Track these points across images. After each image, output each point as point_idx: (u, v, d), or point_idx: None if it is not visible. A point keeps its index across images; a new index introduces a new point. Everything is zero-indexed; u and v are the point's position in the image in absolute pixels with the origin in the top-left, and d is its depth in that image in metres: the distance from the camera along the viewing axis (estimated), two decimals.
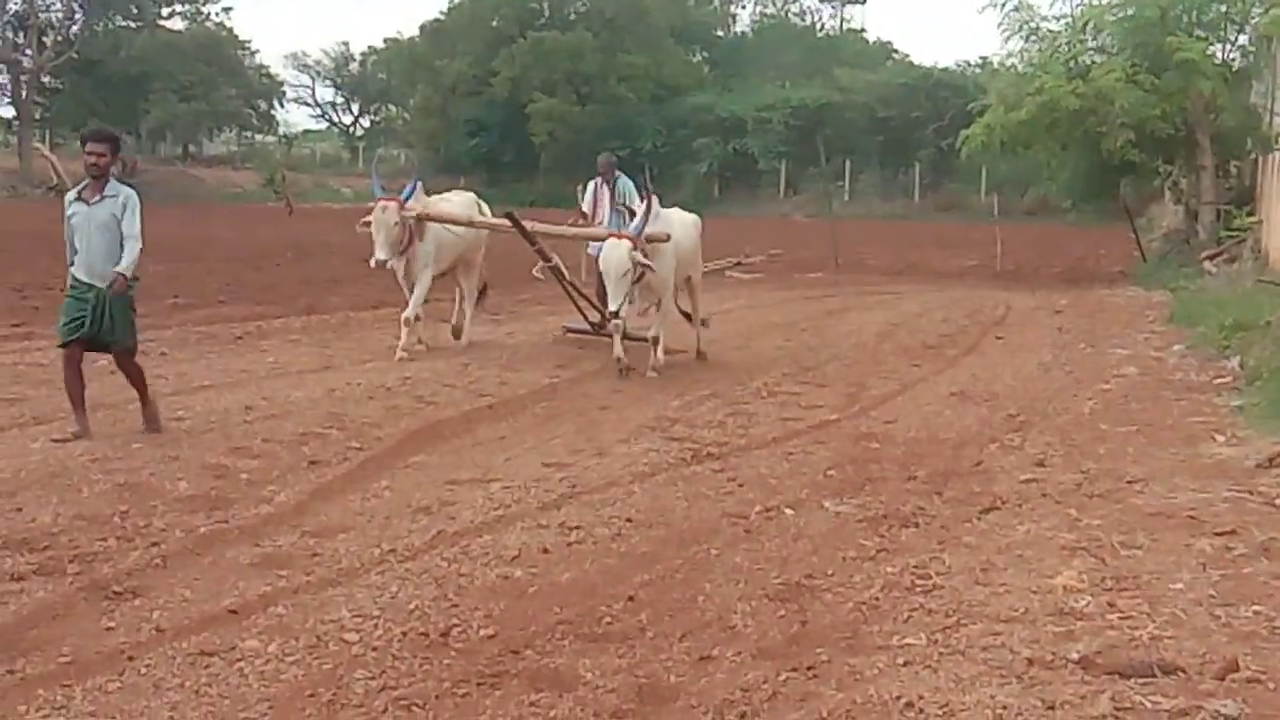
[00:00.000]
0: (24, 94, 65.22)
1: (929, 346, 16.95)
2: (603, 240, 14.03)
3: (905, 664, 5.56)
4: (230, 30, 76.08)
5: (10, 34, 65.94)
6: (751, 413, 11.79)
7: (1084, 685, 5.23)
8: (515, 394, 12.54)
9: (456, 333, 16.19)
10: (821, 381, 13.76)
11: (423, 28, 78.83)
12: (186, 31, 72.60)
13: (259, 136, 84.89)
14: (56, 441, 9.56)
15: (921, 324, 19.99)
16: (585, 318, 16.08)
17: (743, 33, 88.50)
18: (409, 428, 10.71)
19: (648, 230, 13.58)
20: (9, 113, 67.65)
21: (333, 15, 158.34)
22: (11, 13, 65.77)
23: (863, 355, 16.07)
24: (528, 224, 15.15)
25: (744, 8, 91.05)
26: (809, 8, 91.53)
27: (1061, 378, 13.98)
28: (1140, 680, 5.22)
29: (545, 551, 7.27)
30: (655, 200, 13.89)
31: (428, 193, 16.01)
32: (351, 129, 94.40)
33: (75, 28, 67.29)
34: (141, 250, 10.02)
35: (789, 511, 8.24)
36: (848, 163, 64.84)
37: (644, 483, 8.98)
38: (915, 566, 7.00)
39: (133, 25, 68.93)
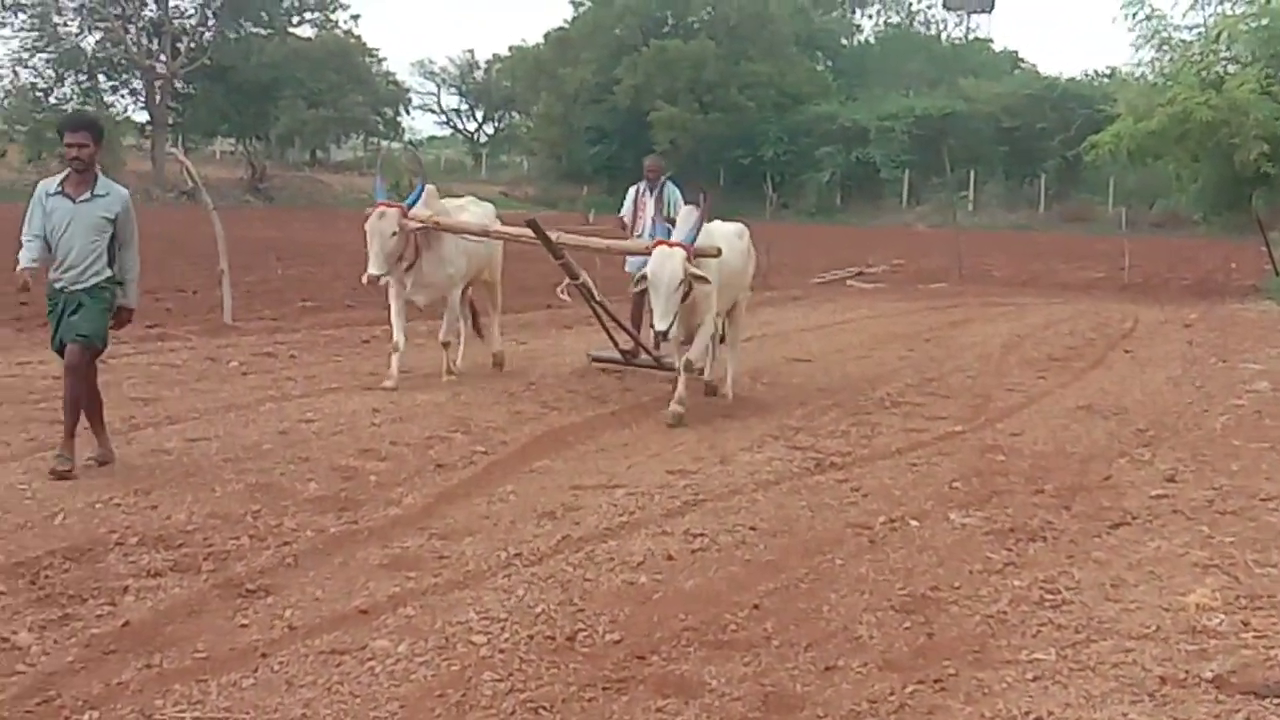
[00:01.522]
0: (158, 99, 66.53)
1: (1055, 359, 16.74)
2: (641, 255, 12.29)
3: (1034, 679, 5.51)
4: (358, 38, 77.05)
5: (146, 40, 67.28)
6: (875, 423, 11.73)
7: (1218, 705, 5.16)
8: (638, 401, 12.57)
9: (498, 361, 14.45)
10: (945, 393, 13.65)
11: (547, 36, 79.38)
12: (316, 39, 73.57)
13: (385, 143, 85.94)
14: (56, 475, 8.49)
15: (1047, 336, 19.74)
16: (616, 344, 14.13)
17: (867, 41, 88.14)
18: (533, 433, 10.79)
19: (698, 244, 11.65)
20: (143, 117, 69.06)
21: (459, 23, 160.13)
22: (147, 19, 67.13)
23: (987, 367, 15.91)
24: (553, 234, 12.87)
25: (869, 16, 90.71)
26: (935, 17, 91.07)
27: (1192, 393, 13.75)
28: (1276, 701, 5.14)
29: (670, 558, 7.29)
30: (704, 207, 11.88)
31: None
32: (475, 136, 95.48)
33: (208, 34, 68.45)
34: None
35: (914, 523, 8.19)
36: (972, 173, 64.29)
37: (768, 491, 8.97)
38: (1044, 581, 6.94)
39: (263, 33, 69.97)
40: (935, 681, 5.53)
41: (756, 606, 6.49)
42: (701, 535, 7.74)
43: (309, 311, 19.03)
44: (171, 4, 67.23)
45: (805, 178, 67.76)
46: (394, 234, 12.57)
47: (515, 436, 10.59)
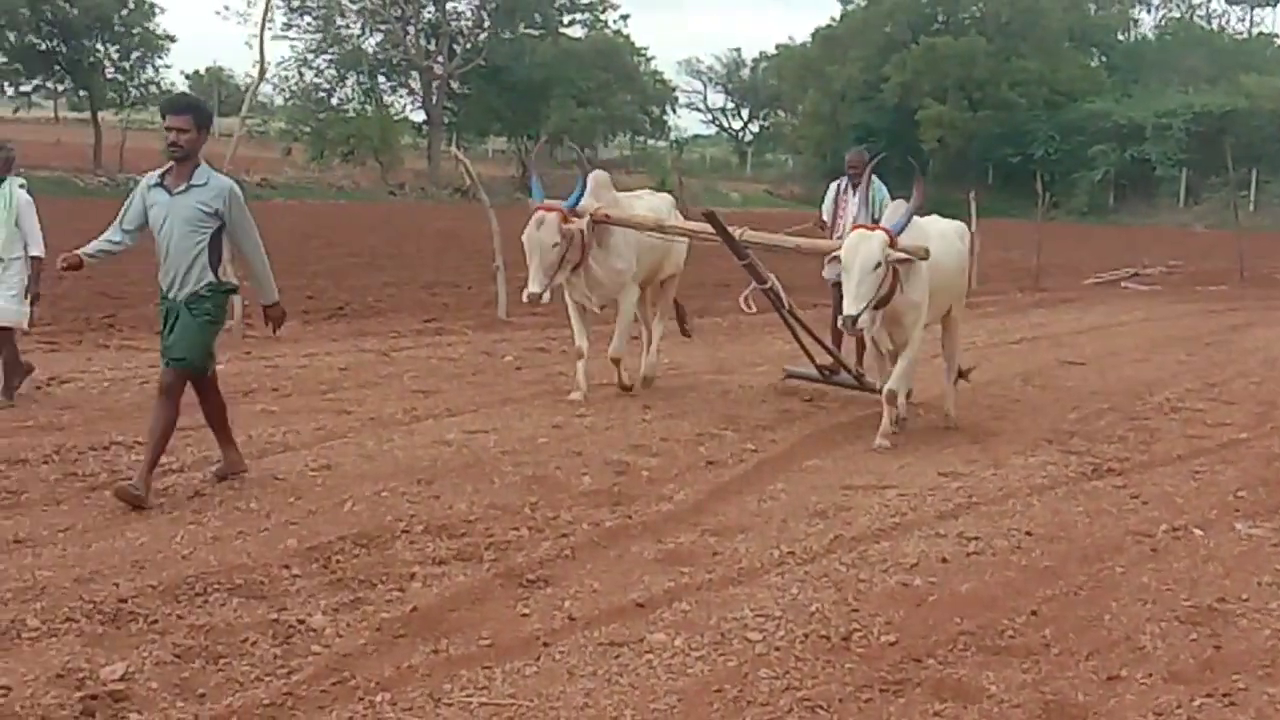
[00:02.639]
0: (434, 99, 68.31)
1: None
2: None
3: None
4: (627, 37, 77.96)
5: (424, 42, 69.15)
6: (1153, 428, 11.42)
7: None
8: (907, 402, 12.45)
9: (646, 379, 12.73)
10: (1228, 399, 13.21)
11: (815, 34, 79.20)
12: (586, 39, 74.63)
13: (651, 141, 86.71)
14: (126, 500, 7.63)
15: None
16: (813, 360, 12.57)
17: (1144, 36, 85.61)
18: (802, 431, 10.80)
19: (903, 241, 10.16)
20: (420, 117, 70.98)
21: (726, 22, 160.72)
22: (425, 21, 68.99)
23: (1273, 373, 15.31)
24: (736, 230, 11.39)
25: (1147, 11, 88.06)
26: (1216, 10, 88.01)
27: None
28: None
29: (944, 561, 7.23)
30: (915, 199, 10.42)
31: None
32: (740, 134, 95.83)
33: (483, 36, 70.01)
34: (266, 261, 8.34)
35: (1198, 532, 7.97)
36: (1254, 172, 61.96)
37: (1042, 496, 8.82)
38: None
39: (536, 33, 71.24)
40: (1224, 695, 5.39)
41: (1034, 613, 6.39)
42: (976, 539, 7.65)
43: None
44: (449, 6, 69.03)
45: (1077, 176, 66.11)
46: (555, 244, 11.22)
47: (785, 435, 10.62)
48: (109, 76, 55.78)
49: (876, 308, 10.05)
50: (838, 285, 10.28)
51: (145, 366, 12.24)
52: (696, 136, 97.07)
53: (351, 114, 64.62)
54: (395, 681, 5.29)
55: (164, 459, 8.48)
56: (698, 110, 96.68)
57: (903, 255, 9.97)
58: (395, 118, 66.38)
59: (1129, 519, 8.30)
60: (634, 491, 8.55)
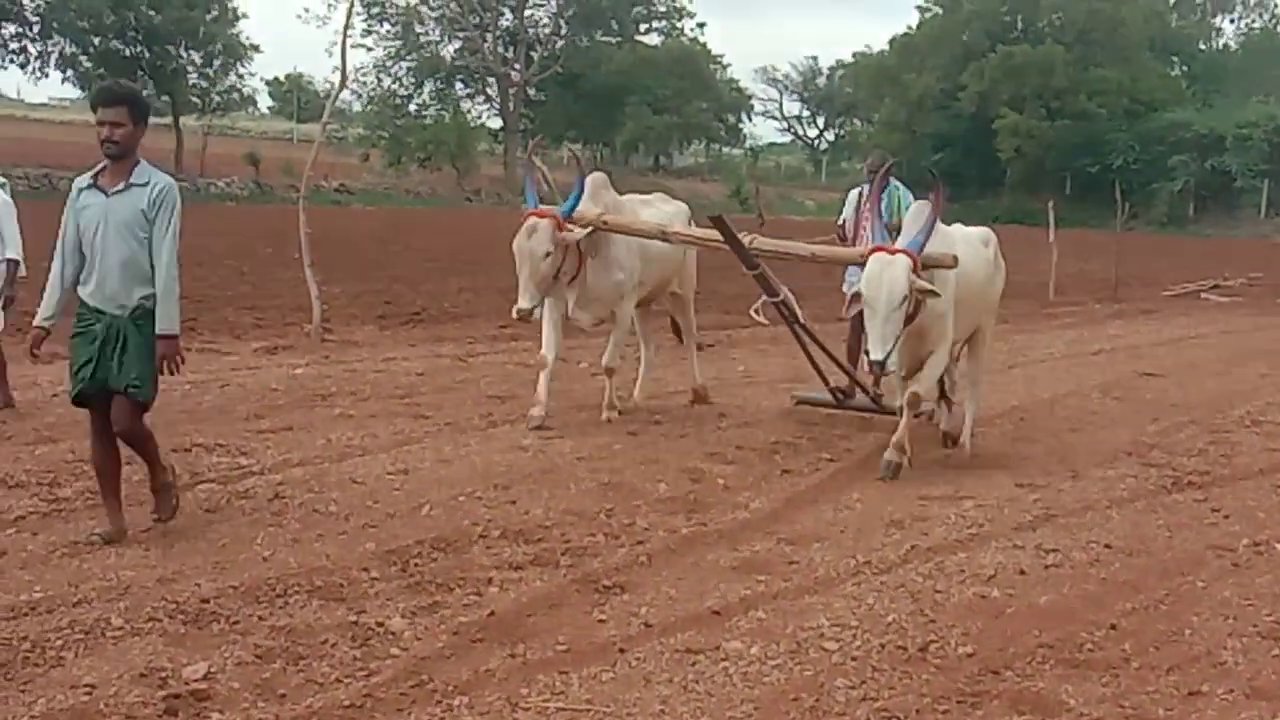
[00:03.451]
0: (511, 106, 68.61)
1: None
2: (857, 265, 9.94)
3: None
4: (704, 45, 78.12)
5: (501, 49, 69.49)
6: (1234, 442, 11.29)
7: None
8: (981, 415, 12.33)
9: (700, 396, 12.17)
10: None
11: (892, 42, 78.84)
12: (662, 46, 74.81)
13: (726, 149, 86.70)
14: (97, 538, 6.97)
15: None
16: (826, 382, 11.58)
17: (1226, 45, 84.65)
18: (877, 441, 10.72)
19: (928, 249, 9.32)
20: (496, 123, 71.28)
21: (803, 30, 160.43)
22: (503, 29, 69.34)
23: None
24: (745, 237, 10.51)
25: (1230, 21, 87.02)
26: None
27: None
28: None
29: (1022, 573, 7.18)
30: (935, 205, 9.51)
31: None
32: (816, 142, 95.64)
33: (560, 43, 70.30)
34: (179, 280, 6.98)
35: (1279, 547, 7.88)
36: None
37: (1122, 509, 8.75)
38: None
39: (613, 41, 71.49)
40: None
41: (1114, 626, 6.34)
42: (1054, 551, 7.60)
43: (656, 314, 19.29)
44: (527, 14, 69.36)
45: (1156, 187, 65.40)
46: (548, 254, 10.28)
47: (860, 444, 10.58)
48: (191, 83, 56.37)
49: (907, 323, 9.20)
50: (857, 296, 9.29)
51: (226, 370, 12.41)
52: (772, 144, 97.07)
53: (429, 120, 64.96)
54: (473, 685, 5.32)
55: (244, 460, 8.59)
56: (773, 118, 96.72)
57: (928, 286, 9.05)
58: (472, 124, 66.65)
59: (1210, 533, 8.22)
60: (709, 499, 8.55)
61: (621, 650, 5.77)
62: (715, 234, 10.46)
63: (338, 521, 7.59)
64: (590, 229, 10.49)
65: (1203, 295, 29.42)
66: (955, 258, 9.42)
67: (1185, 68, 79.83)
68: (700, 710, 5.20)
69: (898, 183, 11.89)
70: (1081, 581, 7.12)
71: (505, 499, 8.28)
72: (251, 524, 7.45)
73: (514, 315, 10.54)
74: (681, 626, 6.11)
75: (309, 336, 14.89)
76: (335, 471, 8.68)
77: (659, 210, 11.74)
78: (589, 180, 10.81)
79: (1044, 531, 8.07)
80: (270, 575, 6.53)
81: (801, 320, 10.93)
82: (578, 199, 10.61)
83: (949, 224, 10.16)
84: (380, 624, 5.95)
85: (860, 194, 12.20)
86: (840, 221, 12.71)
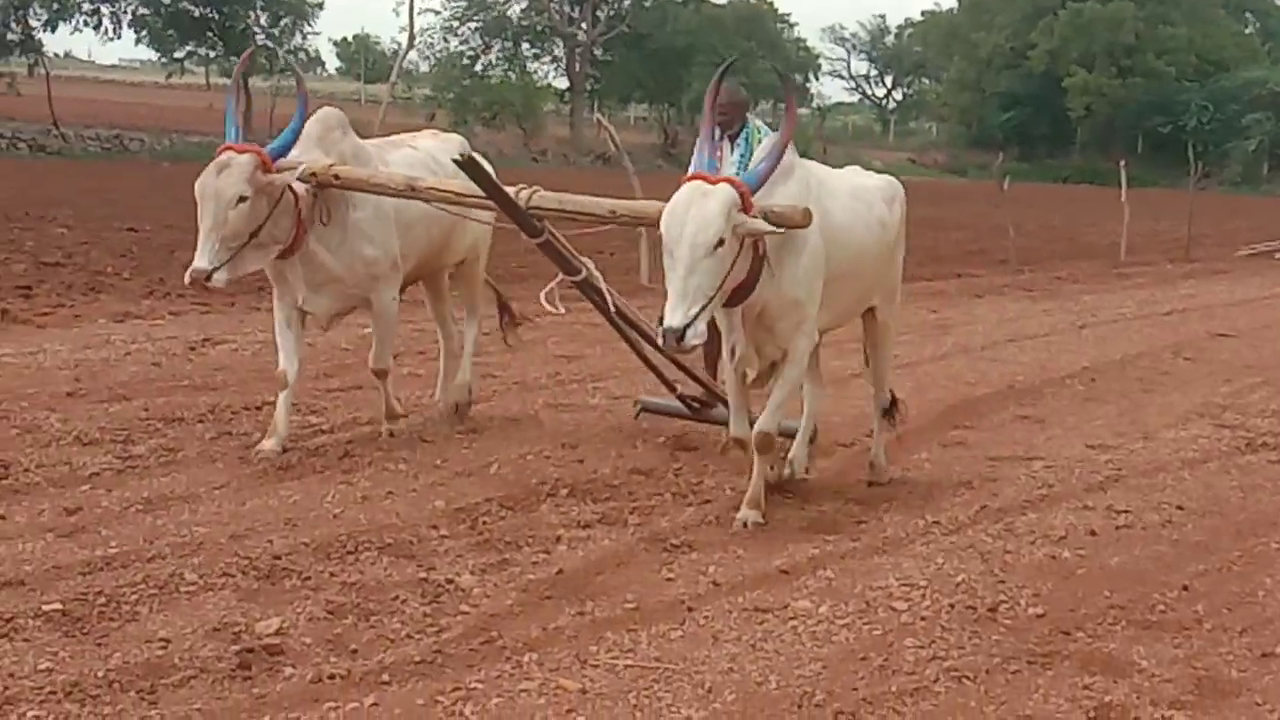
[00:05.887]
0: (577, 66, 68.40)
1: None
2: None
3: None
4: (770, 4, 77.50)
5: (567, 8, 69.24)
6: None
7: None
8: (1051, 375, 12.27)
9: (459, 407, 9.20)
10: None
11: (961, 0, 78.06)
12: (729, 6, 74.35)
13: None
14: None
15: None
16: (668, 385, 8.88)
17: None
18: (945, 402, 10.69)
19: (774, 199, 6.61)
20: (563, 84, 71.09)
21: None
22: None
23: None
24: (519, 190, 7.56)
25: None
26: None
27: None
28: None
29: (1092, 534, 7.13)
30: (787, 124, 6.88)
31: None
32: (884, 102, 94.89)
33: (627, 2, 69.91)
34: None
35: None
36: None
37: (1194, 470, 8.68)
38: None
39: (679, 0, 71.11)
40: None
41: (1186, 588, 6.30)
42: (1125, 512, 7.55)
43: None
44: None
45: (1230, 146, 64.56)
46: (242, 199, 7.42)
47: (928, 407, 10.51)
48: (259, 44, 56.58)
49: (726, 306, 6.71)
50: None
51: None
52: (839, 104, 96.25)
53: (495, 80, 64.90)
54: (542, 642, 5.34)
55: (314, 419, 8.65)
56: (840, 78, 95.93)
57: (762, 225, 6.39)
58: (538, 84, 66.51)
59: None
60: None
61: (690, 609, 5.77)
62: (476, 189, 7.50)
63: (407, 479, 7.63)
64: (313, 178, 7.73)
65: (1276, 255, 29.04)
66: (807, 212, 6.59)
67: (1259, 24, 78.64)
68: (769, 669, 5.20)
69: (761, 124, 8.59)
70: (1153, 543, 7.07)
71: (573, 458, 8.30)
72: (322, 481, 7.50)
73: (187, 280, 7.60)
74: (750, 585, 6.10)
75: None
76: (405, 429, 8.71)
77: (413, 153, 8.71)
78: (315, 118, 8.08)
79: (1115, 492, 8.01)
80: (341, 532, 6.57)
81: (617, 305, 8.13)
82: (295, 134, 7.87)
83: (880, 170, 8.34)
84: (450, 581, 5.97)
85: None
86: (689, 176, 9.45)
